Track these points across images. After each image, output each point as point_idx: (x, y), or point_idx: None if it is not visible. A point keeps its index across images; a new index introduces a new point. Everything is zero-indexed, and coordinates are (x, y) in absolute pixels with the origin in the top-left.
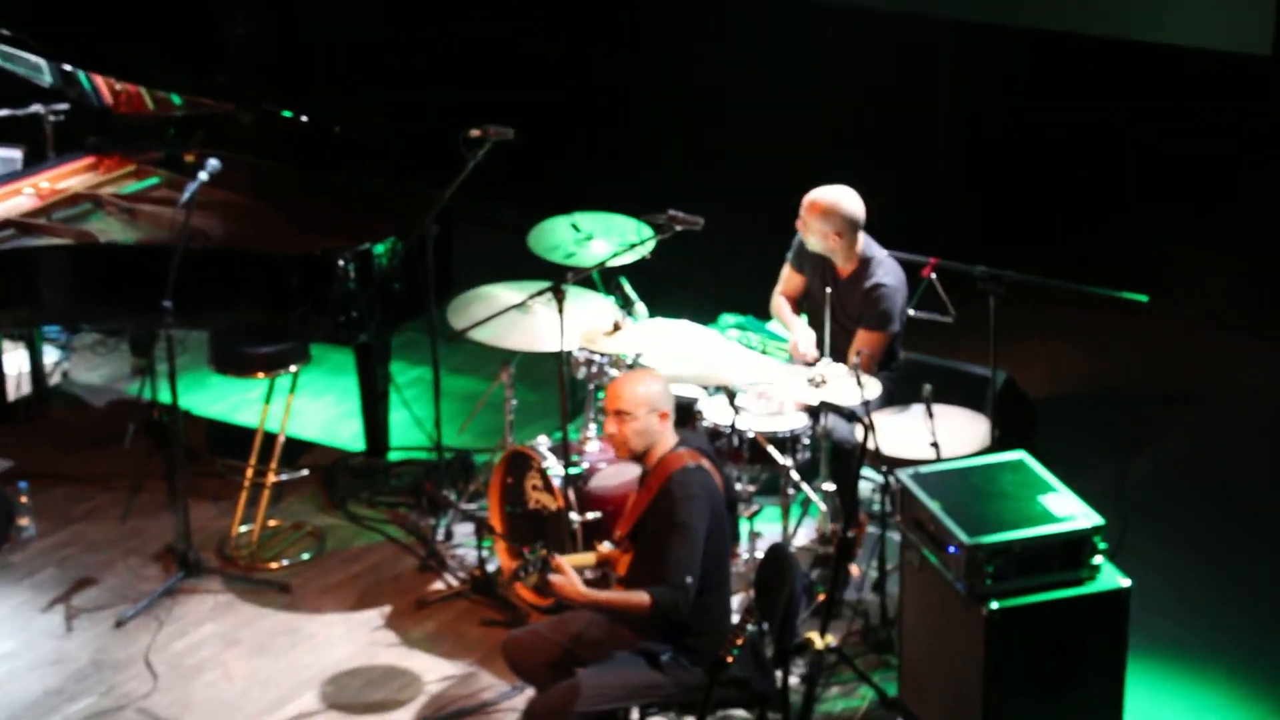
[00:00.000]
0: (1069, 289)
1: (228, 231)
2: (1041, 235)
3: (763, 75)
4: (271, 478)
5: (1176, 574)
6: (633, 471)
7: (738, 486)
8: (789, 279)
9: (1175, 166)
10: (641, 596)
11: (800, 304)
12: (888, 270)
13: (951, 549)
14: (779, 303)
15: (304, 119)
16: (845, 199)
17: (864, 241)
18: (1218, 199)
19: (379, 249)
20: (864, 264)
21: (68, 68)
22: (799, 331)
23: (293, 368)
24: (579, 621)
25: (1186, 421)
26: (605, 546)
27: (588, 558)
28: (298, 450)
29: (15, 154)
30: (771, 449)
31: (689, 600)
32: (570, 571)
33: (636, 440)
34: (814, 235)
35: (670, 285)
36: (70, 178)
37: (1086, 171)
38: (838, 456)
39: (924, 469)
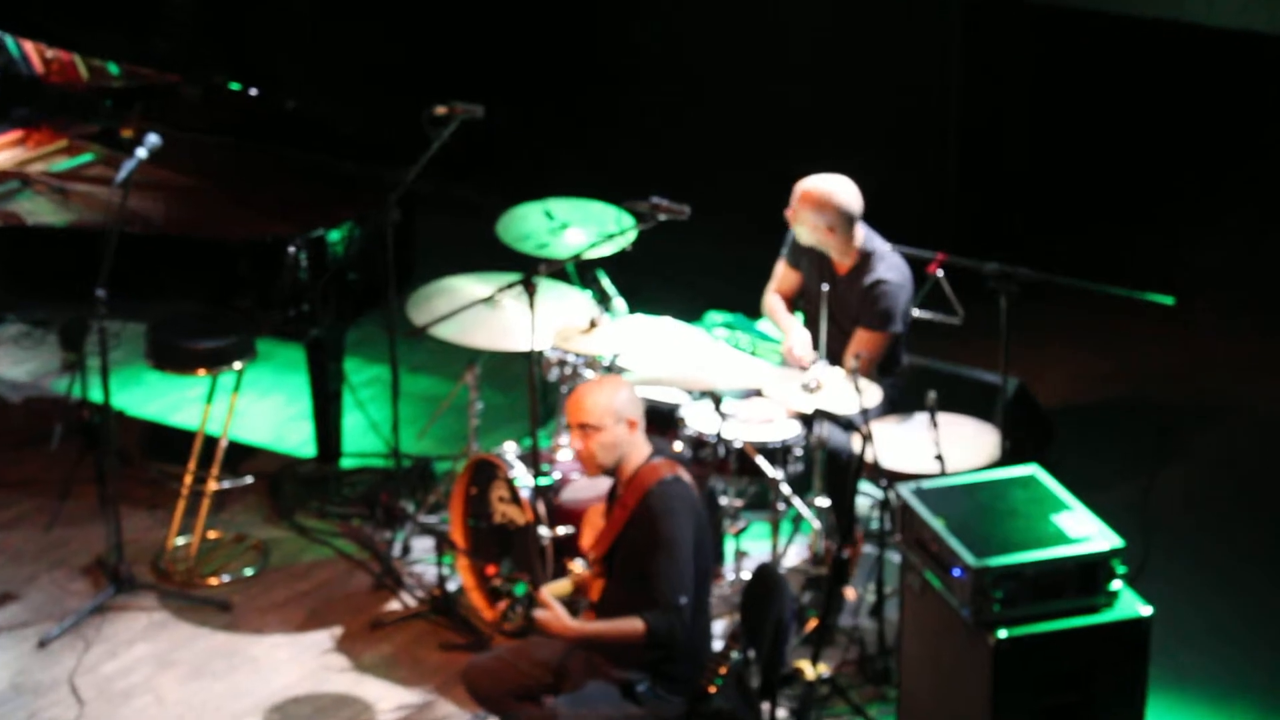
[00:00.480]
0: (1088, 289)
1: (168, 214)
2: (1059, 230)
3: (756, 50)
4: (212, 485)
5: (1203, 601)
6: (608, 483)
7: (723, 501)
8: (784, 276)
9: (1206, 159)
10: (634, 624)
11: (796, 303)
12: (890, 266)
13: (956, 572)
14: (772, 301)
15: (253, 92)
16: (840, 190)
17: (864, 234)
18: (1251, 194)
19: (334, 235)
20: (864, 259)
21: None
22: (793, 333)
23: (237, 365)
24: (547, 648)
25: (1215, 433)
26: (578, 566)
27: (565, 585)
28: (241, 455)
29: None
30: (761, 460)
31: (684, 623)
32: (556, 605)
33: (605, 454)
34: (805, 228)
35: (652, 279)
36: None
37: (1109, 162)
38: (833, 469)
39: (927, 484)
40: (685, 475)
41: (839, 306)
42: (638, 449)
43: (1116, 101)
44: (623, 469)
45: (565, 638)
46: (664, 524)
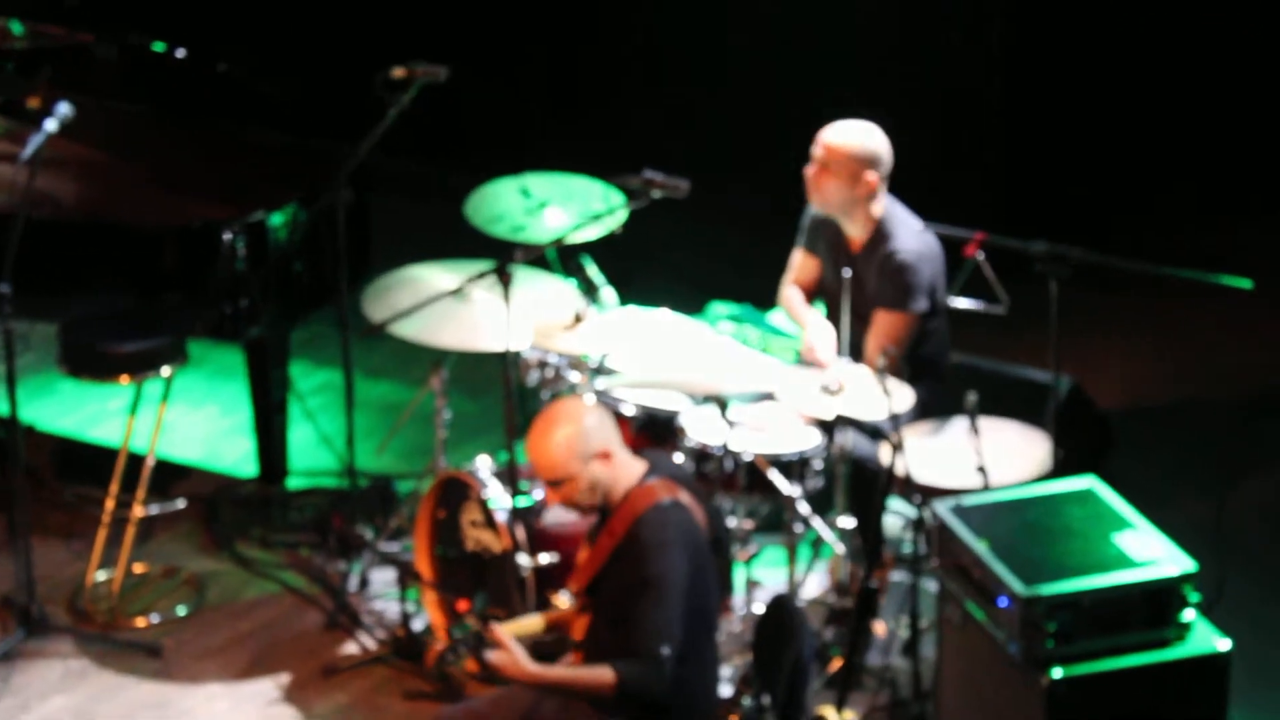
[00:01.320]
0: (1152, 272)
1: (82, 196)
2: (1117, 206)
3: (769, 5)
4: (138, 510)
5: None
6: None
7: (732, 522)
8: (802, 265)
9: None
10: (603, 675)
11: (815, 295)
12: (911, 234)
13: (1002, 601)
14: (790, 294)
15: (179, 54)
16: (873, 135)
17: (884, 201)
18: None
19: (276, 219)
20: (880, 229)
21: None
22: (813, 328)
23: (165, 370)
24: (527, 699)
25: None
26: (562, 599)
27: (534, 623)
28: (171, 476)
29: None
30: (774, 474)
31: (666, 676)
32: (512, 645)
33: (590, 496)
34: (837, 183)
35: (646, 267)
36: None
37: (1176, 128)
38: (858, 484)
39: (968, 500)
40: (686, 497)
41: (858, 292)
42: (624, 472)
43: (1186, 57)
44: (611, 496)
45: (522, 684)
46: (653, 559)
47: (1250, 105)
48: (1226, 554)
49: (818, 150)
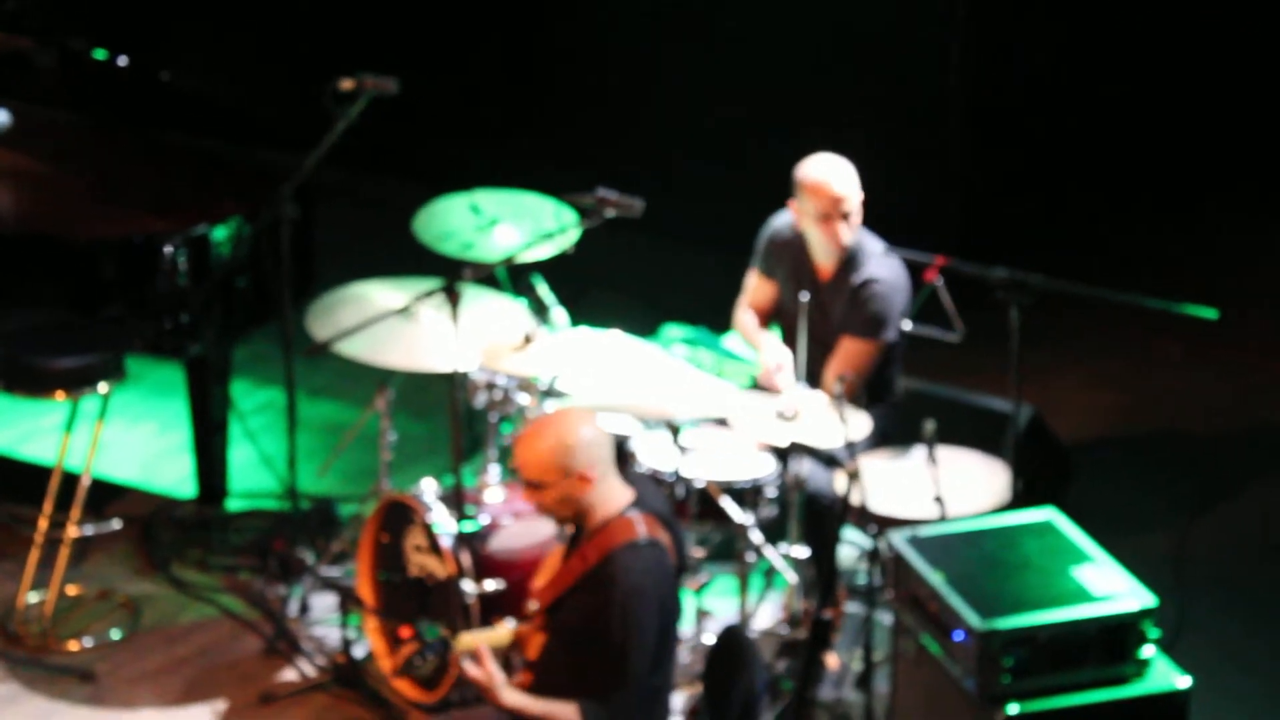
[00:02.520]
0: (1115, 300)
1: (18, 207)
2: (1079, 232)
3: (723, 18)
4: (72, 531)
5: (1250, 668)
6: (547, 528)
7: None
8: (757, 288)
9: (1257, 148)
10: (569, 712)
11: (771, 319)
12: (883, 263)
13: (958, 635)
14: (744, 318)
15: (121, 61)
16: (844, 172)
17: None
18: None
19: (219, 234)
20: (851, 257)
21: None
22: (770, 352)
23: (102, 387)
24: None
25: (1264, 472)
26: (508, 625)
27: (503, 636)
28: (107, 495)
29: None
30: (727, 502)
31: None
32: (491, 662)
33: (562, 509)
34: (808, 220)
35: (598, 287)
36: None
37: (1141, 152)
38: (813, 514)
39: (924, 531)
40: (663, 537)
41: (821, 319)
42: (605, 499)
43: (1149, 80)
44: (588, 519)
45: (494, 703)
46: (627, 607)
47: (1220, 131)
48: (1187, 588)
49: (821, 185)
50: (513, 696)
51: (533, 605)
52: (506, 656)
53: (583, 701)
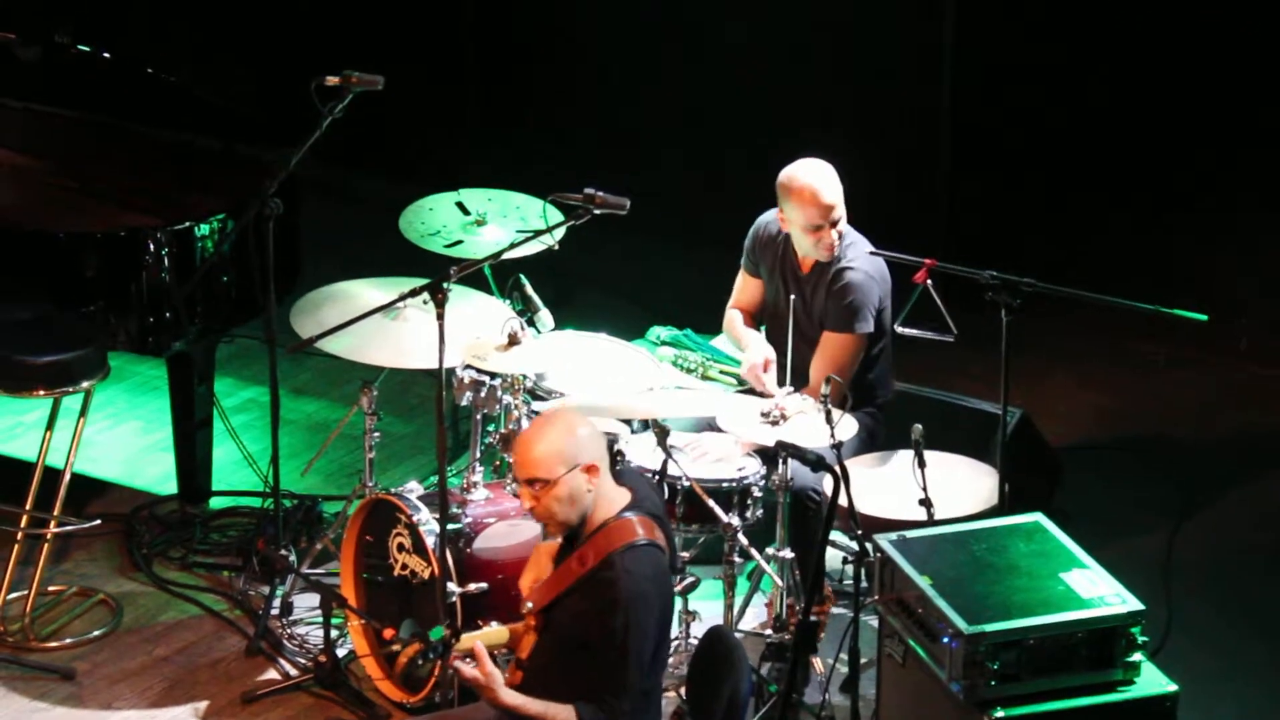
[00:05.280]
0: (1105, 303)
1: (1, 201)
2: (1070, 235)
3: (711, 18)
4: (53, 528)
5: (1237, 675)
6: (531, 529)
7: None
8: (744, 287)
9: (1245, 152)
10: (565, 715)
11: (759, 317)
12: (859, 255)
13: (946, 639)
14: (731, 316)
15: (106, 55)
16: (828, 179)
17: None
18: None
19: (203, 229)
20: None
21: None
22: (754, 349)
23: (85, 384)
24: None
25: (1253, 476)
26: (493, 627)
27: (500, 634)
28: (89, 493)
29: None
30: (713, 504)
31: None
32: (489, 663)
33: (565, 511)
34: (795, 228)
35: (585, 287)
36: None
37: (1130, 155)
38: (799, 515)
39: (911, 534)
40: (660, 537)
41: (805, 315)
42: (605, 498)
43: (1137, 83)
44: (587, 521)
45: (492, 704)
46: (630, 611)
47: (1208, 135)
48: (1175, 592)
49: (805, 193)
50: (511, 696)
51: (527, 605)
52: (493, 654)
53: (579, 704)
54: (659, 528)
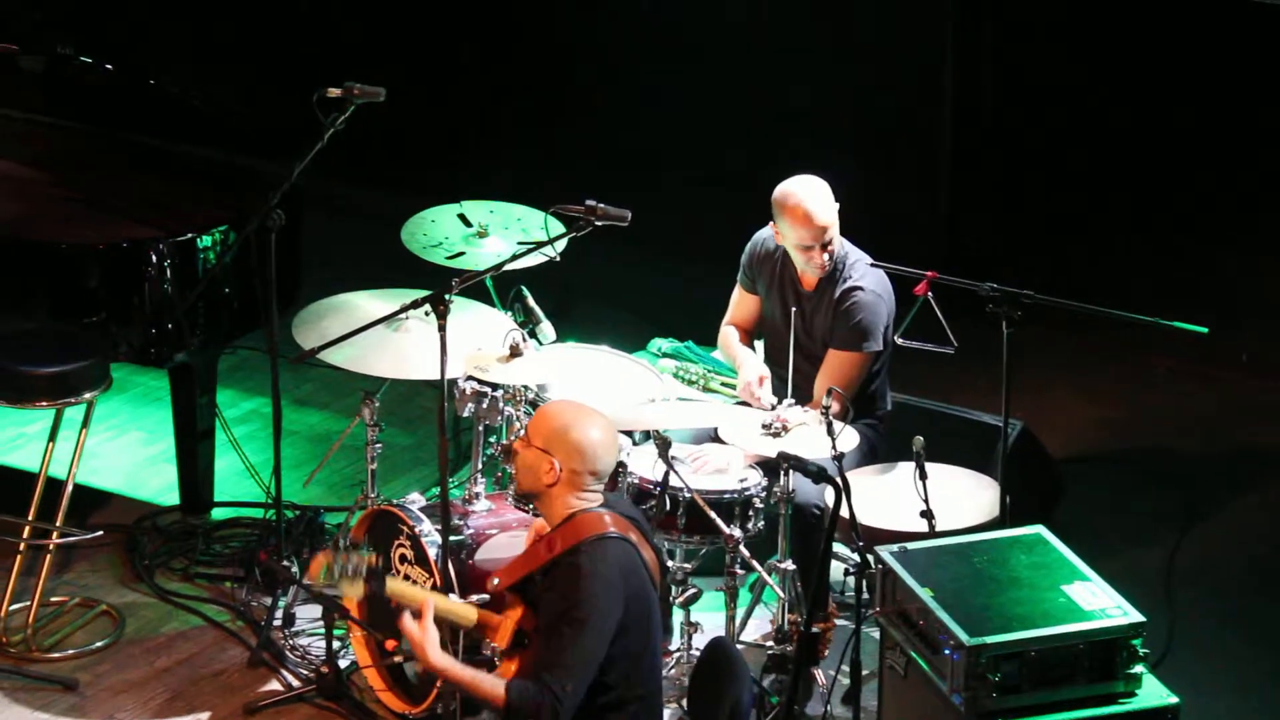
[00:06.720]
0: (1105, 315)
1: (3, 213)
2: (1071, 246)
3: (715, 32)
4: (55, 539)
5: (1238, 686)
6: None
7: (670, 564)
8: (740, 302)
9: (1246, 165)
10: (497, 689)
11: (755, 333)
12: (865, 273)
13: (947, 651)
14: (726, 334)
15: (109, 67)
16: (821, 197)
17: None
18: None
19: (205, 241)
20: (833, 267)
21: None
22: (748, 365)
23: (87, 395)
24: None
25: (1255, 488)
26: (457, 601)
27: (467, 612)
28: (91, 503)
29: None
30: (714, 515)
31: (558, 711)
32: (428, 620)
33: (521, 476)
34: (788, 244)
35: (586, 299)
36: None
37: (1132, 168)
38: (801, 527)
39: (913, 546)
40: (635, 536)
41: (806, 332)
42: (564, 500)
43: (1139, 92)
44: (546, 510)
45: (422, 661)
46: (586, 592)
47: (1210, 148)
48: (1175, 606)
49: (802, 210)
50: (440, 659)
51: (493, 581)
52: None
53: (513, 681)
54: (633, 528)
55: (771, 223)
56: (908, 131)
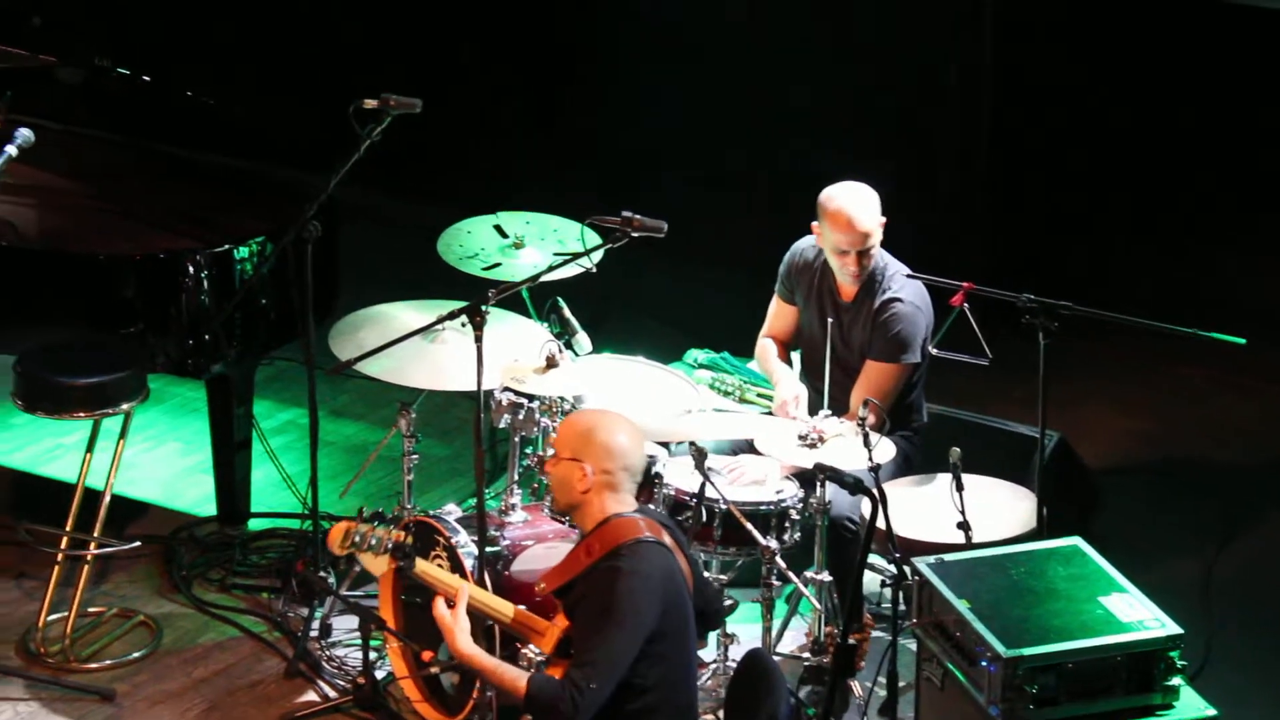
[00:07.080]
0: (1143, 326)
1: (42, 224)
2: (1109, 257)
3: (715, 32)
4: (93, 550)
5: (1278, 698)
6: (568, 550)
7: (706, 575)
8: (778, 314)
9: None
10: (517, 679)
11: (793, 344)
12: (904, 284)
13: (984, 663)
14: (763, 346)
15: (146, 79)
16: (867, 204)
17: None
18: None
19: (242, 252)
20: (872, 277)
21: None
22: (784, 383)
23: (125, 406)
24: None
25: None
26: (494, 599)
27: (504, 609)
28: (128, 514)
29: None
30: (751, 527)
31: (581, 707)
32: (461, 610)
33: (556, 490)
34: (828, 249)
35: (622, 310)
36: None
37: (1169, 179)
38: (837, 539)
39: (950, 557)
40: (669, 541)
41: (844, 343)
42: (610, 505)
43: (1177, 108)
44: (583, 520)
45: (451, 649)
46: (624, 591)
47: (1248, 160)
48: (1214, 619)
49: (848, 215)
50: (467, 646)
51: (539, 585)
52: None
53: (535, 675)
54: (666, 532)
55: (811, 235)
56: (948, 142)
